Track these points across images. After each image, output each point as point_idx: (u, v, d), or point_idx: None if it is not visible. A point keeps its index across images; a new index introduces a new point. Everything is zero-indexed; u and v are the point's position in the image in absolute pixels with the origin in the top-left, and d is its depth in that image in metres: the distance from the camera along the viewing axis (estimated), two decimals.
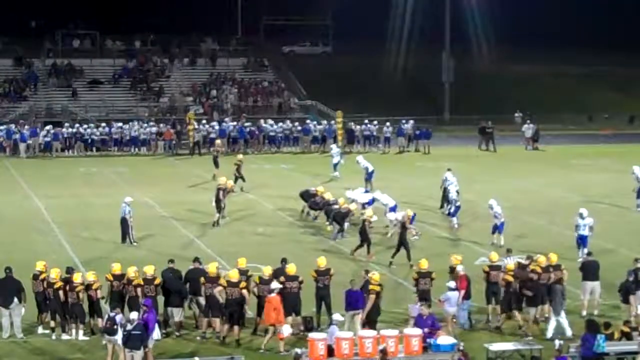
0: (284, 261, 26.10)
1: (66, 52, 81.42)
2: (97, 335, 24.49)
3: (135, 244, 34.84)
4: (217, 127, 62.73)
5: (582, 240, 32.13)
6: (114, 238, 35.27)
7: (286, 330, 23.76)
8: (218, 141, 55.70)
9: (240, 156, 47.32)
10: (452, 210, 38.17)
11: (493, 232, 34.63)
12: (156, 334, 22.67)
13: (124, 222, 35.06)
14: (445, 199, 40.39)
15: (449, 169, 42.00)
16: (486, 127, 65.14)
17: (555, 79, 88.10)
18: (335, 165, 50.71)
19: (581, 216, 32.46)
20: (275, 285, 24.47)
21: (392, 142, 63.35)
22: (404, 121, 64.68)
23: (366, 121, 64.84)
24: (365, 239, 32.83)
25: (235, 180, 44.02)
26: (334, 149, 53.33)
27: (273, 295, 24.17)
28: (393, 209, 36.70)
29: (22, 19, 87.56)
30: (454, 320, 25.02)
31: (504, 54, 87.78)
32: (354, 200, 37.32)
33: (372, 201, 38.54)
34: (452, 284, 25.08)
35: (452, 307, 24.87)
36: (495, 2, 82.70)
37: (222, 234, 37.03)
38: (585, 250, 30.92)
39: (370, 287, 24.48)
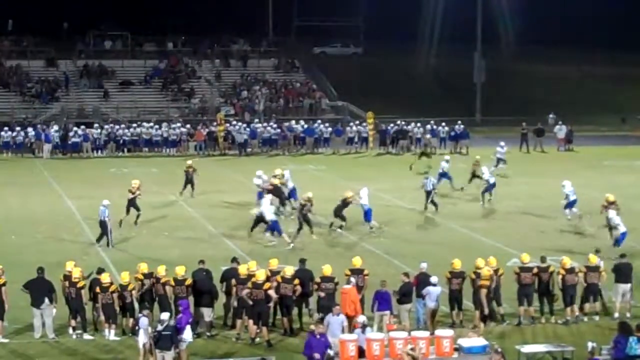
0: (302, 262, 26.19)
1: (98, 53, 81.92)
2: (127, 336, 24.54)
3: (112, 247, 34.51)
4: (277, 129, 63.36)
5: None
6: (145, 238, 35.29)
7: (361, 319, 23.71)
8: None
9: None
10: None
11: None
12: (188, 335, 22.58)
13: (103, 225, 34.69)
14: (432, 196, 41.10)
15: (446, 160, 45.74)
16: (539, 127, 64.99)
17: (588, 79, 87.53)
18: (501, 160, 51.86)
19: None
20: (352, 279, 24.77)
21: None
22: (432, 122, 64.29)
23: (399, 122, 64.66)
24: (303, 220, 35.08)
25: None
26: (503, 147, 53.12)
27: (349, 287, 24.32)
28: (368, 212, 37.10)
29: (54, 21, 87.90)
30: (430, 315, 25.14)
31: (536, 55, 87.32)
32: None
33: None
34: (435, 279, 25.15)
35: (433, 302, 24.94)
36: (527, 3, 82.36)
37: (252, 234, 36.92)
38: None
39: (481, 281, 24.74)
